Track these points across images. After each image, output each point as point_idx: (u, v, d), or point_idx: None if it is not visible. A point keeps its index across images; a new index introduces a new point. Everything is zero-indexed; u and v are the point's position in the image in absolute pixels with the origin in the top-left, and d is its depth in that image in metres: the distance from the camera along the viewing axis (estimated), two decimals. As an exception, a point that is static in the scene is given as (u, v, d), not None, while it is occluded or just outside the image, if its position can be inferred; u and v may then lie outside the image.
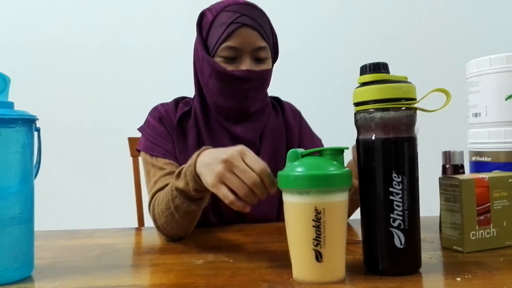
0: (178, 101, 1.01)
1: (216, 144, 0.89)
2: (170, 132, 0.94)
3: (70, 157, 1.96)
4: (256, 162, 0.62)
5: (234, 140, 0.92)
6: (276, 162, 0.92)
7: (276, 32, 0.94)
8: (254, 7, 0.88)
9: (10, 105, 0.60)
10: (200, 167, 0.66)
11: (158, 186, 0.85)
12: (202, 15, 0.92)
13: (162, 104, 0.99)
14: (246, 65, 0.86)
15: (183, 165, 0.73)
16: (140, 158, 1.03)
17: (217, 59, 0.87)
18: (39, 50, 2.00)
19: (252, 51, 0.87)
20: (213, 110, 0.94)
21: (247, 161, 0.62)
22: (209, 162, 0.64)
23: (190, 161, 0.69)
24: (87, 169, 1.97)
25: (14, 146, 0.59)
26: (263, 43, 0.88)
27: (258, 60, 0.89)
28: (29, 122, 0.61)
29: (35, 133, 0.63)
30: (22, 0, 2.00)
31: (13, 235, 0.58)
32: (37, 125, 0.63)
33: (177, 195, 0.72)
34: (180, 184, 0.71)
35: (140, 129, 0.97)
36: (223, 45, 0.86)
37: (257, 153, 0.94)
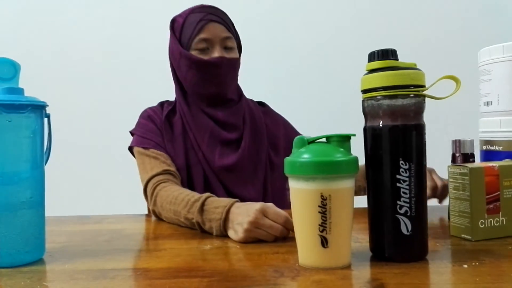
0: (163, 103, 1.11)
1: (202, 129, 1.00)
2: (159, 127, 1.03)
3: (80, 144, 1.98)
4: (278, 216, 0.69)
5: (218, 124, 1.01)
6: (256, 146, 1.04)
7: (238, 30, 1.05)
8: (217, 8, 1.02)
9: (20, 91, 0.61)
10: (228, 225, 0.72)
11: (155, 171, 0.92)
12: (173, 21, 1.03)
13: (150, 108, 1.09)
14: (217, 53, 0.97)
15: (206, 199, 0.77)
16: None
17: (192, 52, 0.98)
18: (50, 39, 2.02)
19: (221, 41, 0.99)
20: (194, 101, 1.03)
21: (270, 216, 0.68)
22: (237, 222, 0.69)
23: (218, 215, 0.73)
24: (98, 157, 2.00)
25: (25, 132, 0.60)
26: (229, 34, 1.00)
27: (227, 49, 1.00)
28: (39, 108, 0.62)
29: (45, 120, 0.64)
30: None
31: (24, 218, 0.59)
32: (47, 111, 0.64)
33: (195, 225, 0.77)
34: (205, 225, 0.75)
35: (131, 131, 1.06)
36: (196, 38, 0.97)
37: (239, 136, 1.03)
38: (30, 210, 0.60)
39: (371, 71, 0.57)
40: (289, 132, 1.14)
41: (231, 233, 0.71)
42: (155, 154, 0.97)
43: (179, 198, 0.81)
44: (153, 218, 0.92)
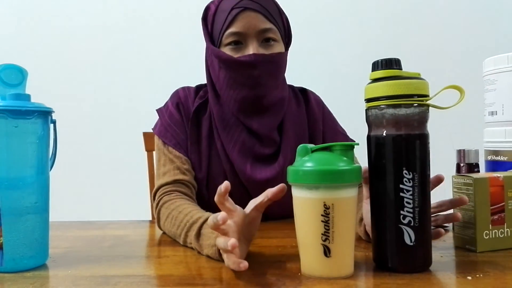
0: (201, 87, 0.98)
1: (233, 139, 0.88)
2: (184, 120, 0.92)
3: (85, 150, 2.00)
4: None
5: (251, 135, 0.89)
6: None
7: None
8: None
9: (27, 97, 0.61)
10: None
11: (166, 179, 0.86)
12: (206, 9, 0.90)
13: (183, 88, 0.97)
14: (252, 49, 0.82)
15: (203, 222, 0.67)
16: (154, 153, 1.04)
17: (223, 49, 0.85)
18: (56, 45, 2.04)
19: (258, 34, 0.83)
20: (227, 103, 0.89)
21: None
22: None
23: (213, 240, 0.62)
24: (102, 163, 2.01)
25: (31, 137, 0.61)
26: (268, 25, 0.84)
27: (267, 43, 0.85)
28: (45, 114, 0.62)
29: (51, 125, 0.65)
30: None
31: (28, 224, 0.60)
32: (53, 118, 0.65)
33: (194, 248, 0.68)
34: (202, 251, 0.65)
35: (158, 111, 0.96)
36: (227, 32, 0.83)
37: (278, 149, 0.91)
38: (35, 215, 0.61)
39: (375, 80, 0.57)
40: (325, 130, 0.98)
41: (226, 262, 0.57)
42: (173, 155, 0.88)
43: (178, 218, 0.74)
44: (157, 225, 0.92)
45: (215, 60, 0.87)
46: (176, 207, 0.77)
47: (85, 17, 2.05)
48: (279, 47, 0.87)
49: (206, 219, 0.67)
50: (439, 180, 0.65)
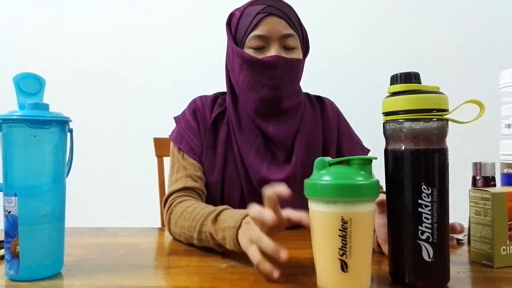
0: (218, 96, 1.01)
1: (248, 144, 0.91)
2: (201, 127, 0.95)
3: (97, 157, 2.01)
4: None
5: (267, 141, 0.92)
6: (310, 161, 0.90)
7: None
8: (280, 0, 0.90)
9: (46, 106, 0.62)
10: (240, 234, 0.65)
11: (177, 186, 0.88)
12: (231, 15, 0.93)
13: (201, 97, 1.00)
14: (274, 51, 0.86)
15: (222, 210, 0.71)
16: (164, 158, 1.04)
17: (247, 50, 0.88)
18: (67, 51, 2.06)
19: (280, 39, 0.87)
20: (245, 108, 0.92)
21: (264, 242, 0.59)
22: (245, 228, 0.63)
23: (232, 223, 0.67)
24: (114, 168, 2.02)
25: (48, 147, 0.61)
26: (290, 31, 0.88)
27: (287, 49, 0.89)
28: (62, 124, 0.63)
29: (68, 134, 0.65)
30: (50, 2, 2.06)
31: (44, 232, 0.60)
32: (70, 126, 0.65)
33: (208, 238, 0.72)
34: (217, 235, 0.69)
35: (175, 118, 1.00)
36: (251, 34, 0.87)
37: (289, 154, 0.92)
38: (51, 224, 0.61)
39: (393, 93, 0.57)
40: (340, 137, 1.00)
41: (240, 241, 0.63)
42: (186, 162, 0.91)
43: (194, 212, 0.76)
44: (167, 232, 0.92)
45: (237, 61, 0.89)
46: (191, 204, 0.80)
47: (98, 24, 2.06)
48: (298, 54, 0.91)
49: (225, 209, 0.71)
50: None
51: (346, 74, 1.98)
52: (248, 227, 0.62)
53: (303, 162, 0.91)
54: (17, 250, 0.58)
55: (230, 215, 0.68)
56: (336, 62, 1.99)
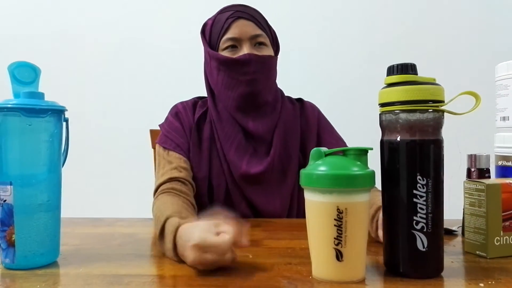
0: (197, 100, 1.06)
1: (230, 139, 0.96)
2: (185, 127, 0.99)
3: (94, 148, 2.00)
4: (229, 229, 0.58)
5: (247, 136, 0.97)
6: (286, 154, 0.98)
7: (275, 30, 1.01)
8: (247, 6, 0.97)
9: (41, 95, 0.62)
10: (179, 251, 0.61)
11: (163, 178, 0.89)
12: (204, 25, 1.00)
13: (181, 102, 1.05)
14: (246, 50, 0.93)
15: (165, 226, 0.65)
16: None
17: (221, 53, 0.95)
18: (65, 45, 2.04)
19: (251, 39, 0.94)
20: (225, 107, 0.97)
21: (221, 229, 0.58)
22: (183, 248, 0.59)
23: (169, 244, 0.62)
24: (110, 159, 2.01)
25: (44, 136, 0.61)
26: (259, 31, 0.95)
27: (258, 46, 0.95)
28: (58, 113, 0.63)
29: (64, 123, 0.65)
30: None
31: (40, 221, 0.60)
32: (66, 116, 0.65)
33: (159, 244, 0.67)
34: (164, 249, 0.65)
35: (160, 125, 1.04)
36: (224, 38, 0.94)
37: (269, 148, 0.97)
38: (47, 213, 0.61)
39: (390, 85, 0.57)
40: (321, 132, 1.03)
41: (184, 258, 0.59)
42: (172, 157, 0.94)
43: (155, 217, 0.72)
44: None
45: (214, 64, 0.95)
46: (160, 204, 0.77)
47: (95, 15, 2.05)
48: (269, 51, 0.97)
49: (168, 218, 0.66)
50: None
51: (342, 68, 1.97)
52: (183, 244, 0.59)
53: (280, 155, 0.97)
54: (13, 239, 0.59)
55: (166, 244, 0.63)
56: (333, 56, 1.98)
